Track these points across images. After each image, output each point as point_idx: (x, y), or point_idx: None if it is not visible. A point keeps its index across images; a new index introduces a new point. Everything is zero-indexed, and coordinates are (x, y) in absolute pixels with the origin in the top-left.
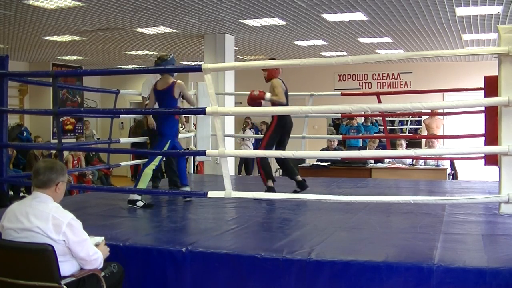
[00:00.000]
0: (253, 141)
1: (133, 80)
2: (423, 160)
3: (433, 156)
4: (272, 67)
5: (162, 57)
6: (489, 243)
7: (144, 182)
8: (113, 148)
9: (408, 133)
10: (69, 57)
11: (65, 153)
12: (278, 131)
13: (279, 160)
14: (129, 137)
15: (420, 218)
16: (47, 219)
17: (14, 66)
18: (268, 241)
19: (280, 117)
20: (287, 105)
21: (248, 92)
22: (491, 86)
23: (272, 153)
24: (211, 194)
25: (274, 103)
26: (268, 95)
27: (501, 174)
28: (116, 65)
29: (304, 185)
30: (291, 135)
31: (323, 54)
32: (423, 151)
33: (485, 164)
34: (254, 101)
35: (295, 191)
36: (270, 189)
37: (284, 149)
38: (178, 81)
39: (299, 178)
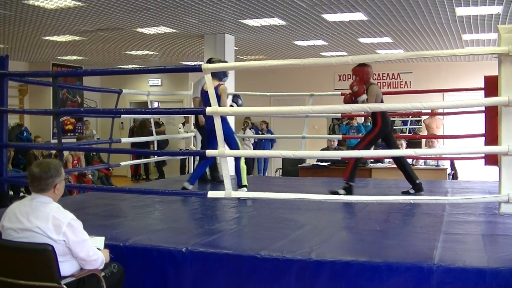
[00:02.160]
0: (253, 141)
1: (133, 80)
2: (423, 160)
3: (433, 156)
4: (272, 67)
5: (210, 59)
6: (489, 243)
7: (245, 174)
8: (113, 148)
9: (408, 133)
10: (69, 57)
11: (65, 153)
12: (381, 135)
13: (396, 162)
14: (129, 137)
15: (420, 218)
16: (47, 219)
17: (14, 66)
18: (268, 241)
19: (384, 121)
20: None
21: (249, 92)
22: (491, 86)
23: (272, 153)
24: (211, 194)
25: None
26: (363, 97)
27: (501, 174)
28: (116, 65)
29: (420, 188)
30: (291, 135)
31: (323, 54)
32: (423, 151)
33: (485, 164)
34: (355, 95)
35: (407, 192)
36: (349, 188)
37: (394, 147)
38: (222, 86)
39: (418, 181)
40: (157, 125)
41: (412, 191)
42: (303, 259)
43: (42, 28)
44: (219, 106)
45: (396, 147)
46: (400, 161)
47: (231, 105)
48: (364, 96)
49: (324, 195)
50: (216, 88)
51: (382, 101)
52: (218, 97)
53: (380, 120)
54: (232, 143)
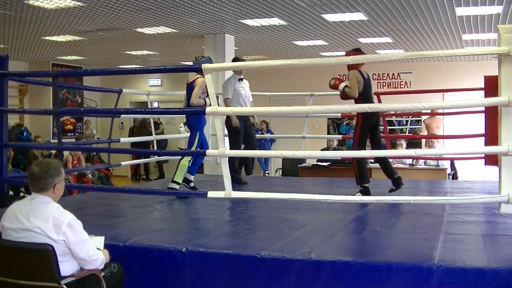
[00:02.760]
0: None
1: (133, 80)
2: (423, 160)
3: (433, 156)
4: (272, 67)
5: (197, 58)
6: (489, 243)
7: (181, 173)
8: (113, 148)
9: (408, 133)
10: (69, 57)
11: (65, 153)
12: (367, 127)
13: (376, 158)
14: (129, 137)
15: (420, 218)
16: (47, 219)
17: (14, 66)
18: (268, 241)
19: (363, 113)
20: (368, 96)
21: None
22: (491, 86)
23: (272, 153)
24: (211, 194)
25: (346, 95)
26: (342, 85)
27: (501, 174)
28: (116, 65)
29: (399, 183)
30: (291, 135)
31: (323, 54)
32: (423, 151)
33: (485, 164)
34: (333, 89)
35: (391, 190)
36: (365, 191)
37: (380, 144)
38: (199, 79)
39: (396, 176)
40: (156, 125)
41: (393, 187)
42: (303, 259)
43: (42, 28)
44: (189, 97)
45: (380, 141)
46: (381, 158)
47: (204, 99)
48: (343, 84)
49: (324, 195)
50: (193, 81)
51: (365, 87)
52: (193, 89)
53: (360, 114)
54: (191, 138)
